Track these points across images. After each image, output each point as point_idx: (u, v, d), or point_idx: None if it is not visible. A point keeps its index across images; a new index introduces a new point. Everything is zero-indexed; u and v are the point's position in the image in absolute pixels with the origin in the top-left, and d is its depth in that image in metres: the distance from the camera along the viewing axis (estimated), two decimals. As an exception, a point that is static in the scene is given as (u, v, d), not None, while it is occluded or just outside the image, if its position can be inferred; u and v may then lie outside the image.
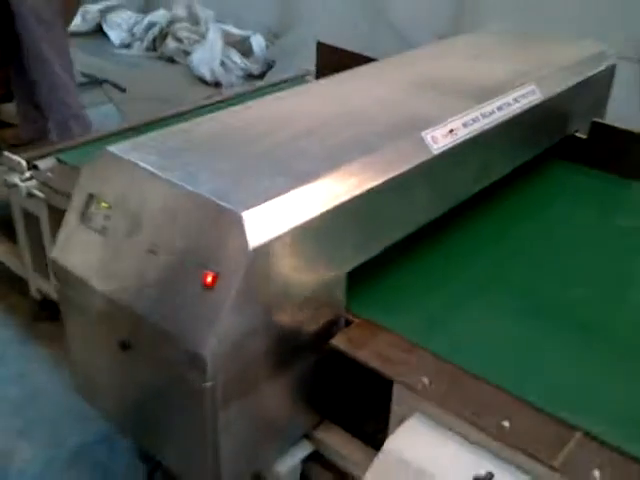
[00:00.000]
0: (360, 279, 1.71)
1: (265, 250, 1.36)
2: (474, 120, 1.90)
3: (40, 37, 3.24)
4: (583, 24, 3.85)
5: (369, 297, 1.74)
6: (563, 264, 1.95)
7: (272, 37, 5.20)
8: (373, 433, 1.67)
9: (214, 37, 4.93)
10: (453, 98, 1.97)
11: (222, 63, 4.82)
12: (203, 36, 5.17)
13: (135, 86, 4.92)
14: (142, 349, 1.50)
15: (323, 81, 2.27)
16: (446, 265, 1.92)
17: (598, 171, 2.43)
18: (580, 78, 2.32)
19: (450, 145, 1.79)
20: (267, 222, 1.38)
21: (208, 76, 4.87)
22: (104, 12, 5.98)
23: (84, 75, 4.99)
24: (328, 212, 1.49)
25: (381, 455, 1.42)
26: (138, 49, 5.67)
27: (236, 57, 4.93)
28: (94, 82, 4.99)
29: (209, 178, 1.48)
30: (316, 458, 1.75)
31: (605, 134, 2.43)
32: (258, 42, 5.06)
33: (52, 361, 2.40)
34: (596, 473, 1.29)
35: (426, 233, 1.90)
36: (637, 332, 1.71)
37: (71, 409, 2.20)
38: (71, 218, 1.65)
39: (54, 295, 2.39)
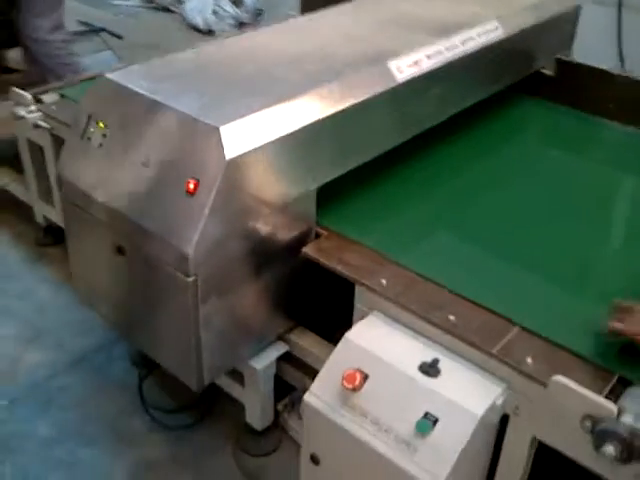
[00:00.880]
0: (332, 198, 1.91)
1: (240, 161, 1.55)
2: (438, 53, 2.07)
3: None
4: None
5: (338, 214, 1.93)
6: (513, 193, 2.13)
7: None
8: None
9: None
10: (419, 33, 2.14)
11: (214, 12, 4.94)
12: (197, -14, 5.28)
13: (132, 34, 5.06)
14: (135, 252, 1.70)
15: (301, 19, 2.42)
16: (407, 191, 2.09)
17: (562, 106, 2.59)
18: (541, 17, 2.47)
19: (414, 75, 1.96)
20: (243, 136, 1.57)
21: (201, 24, 5.00)
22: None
23: (82, 24, 5.13)
24: (300, 130, 1.67)
25: (342, 342, 1.63)
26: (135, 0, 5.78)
27: (227, 6, 5.05)
28: (92, 31, 5.13)
29: (192, 99, 1.67)
30: (289, 359, 1.96)
31: (569, 71, 2.59)
32: (251, -9, 5.19)
33: (57, 280, 2.61)
34: (529, 360, 1.49)
35: (393, 160, 2.10)
36: (565, 249, 1.89)
37: (74, 321, 2.42)
38: (73, 137, 1.84)
39: (58, 221, 2.59)
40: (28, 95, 2.52)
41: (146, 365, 2.21)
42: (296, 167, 1.71)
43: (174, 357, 1.78)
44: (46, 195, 2.66)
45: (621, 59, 4.12)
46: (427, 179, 2.17)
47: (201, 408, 2.14)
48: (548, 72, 2.65)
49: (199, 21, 5.03)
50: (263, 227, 1.70)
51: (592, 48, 3.16)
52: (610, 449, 1.34)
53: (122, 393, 2.18)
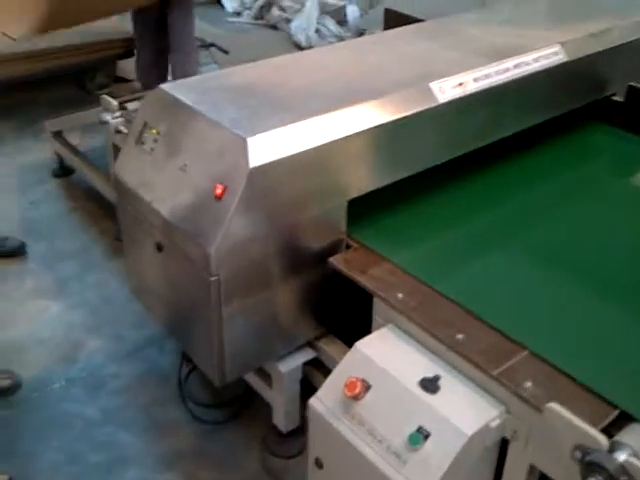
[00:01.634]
0: (371, 212, 1.97)
1: (264, 170, 1.64)
2: (487, 76, 2.08)
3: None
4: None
5: (373, 228, 1.98)
6: (560, 221, 2.09)
7: (367, 7, 5.42)
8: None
9: (311, 6, 5.23)
10: (473, 57, 2.15)
11: (317, 30, 5.10)
12: (303, 5, 5.47)
13: (238, 50, 5.30)
14: (171, 250, 1.83)
15: (363, 39, 2.50)
16: (449, 213, 2.09)
17: (630, 134, 2.51)
18: (610, 44, 2.41)
19: (457, 96, 1.98)
20: (269, 147, 1.66)
21: (303, 42, 5.17)
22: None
23: (196, 39, 5.44)
24: (327, 144, 1.74)
25: (351, 351, 1.67)
26: (247, 17, 6.07)
27: (331, 25, 5.20)
28: (203, 45, 5.44)
29: (230, 111, 1.77)
30: (318, 365, 2.02)
31: (641, 99, 2.51)
32: (352, 11, 5.32)
33: (124, 275, 2.79)
34: (528, 384, 1.48)
35: (442, 179, 2.12)
36: (598, 272, 1.86)
37: (134, 313, 2.59)
38: (130, 141, 2.00)
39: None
40: (114, 102, 2.73)
41: (192, 360, 2.34)
42: (323, 179, 1.78)
43: (201, 351, 1.89)
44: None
45: None
46: (474, 203, 2.15)
47: (236, 406, 2.24)
48: (618, 99, 2.57)
49: (302, 38, 5.22)
50: (289, 234, 1.78)
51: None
52: (594, 482, 1.32)
53: (166, 384, 2.32)
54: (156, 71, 3.89)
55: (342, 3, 5.42)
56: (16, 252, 2.97)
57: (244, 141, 1.64)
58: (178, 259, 1.81)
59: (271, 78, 2.02)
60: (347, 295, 1.93)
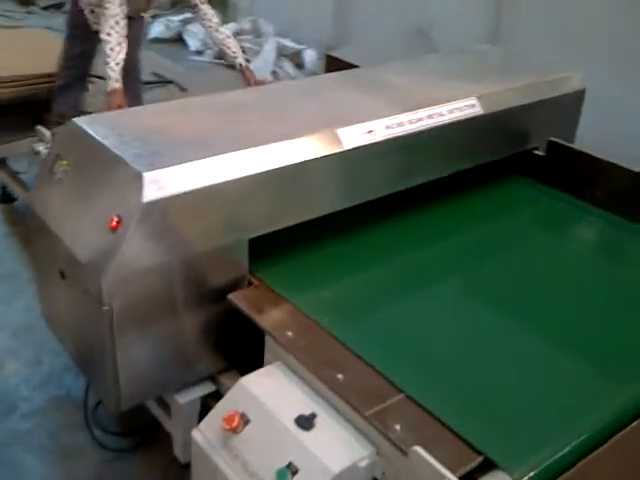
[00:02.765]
0: (278, 252, 2.02)
1: (158, 205, 1.68)
2: (399, 124, 2.15)
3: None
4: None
5: (277, 267, 2.01)
6: (455, 272, 2.15)
7: (324, 51, 5.55)
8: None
9: (269, 49, 5.37)
10: (387, 104, 2.23)
11: (274, 72, 5.21)
12: (263, 47, 5.60)
13: (197, 87, 5.41)
14: (71, 278, 1.86)
15: (293, 82, 2.57)
16: (355, 259, 2.12)
17: (550, 188, 2.59)
18: (529, 99, 2.50)
19: (365, 142, 2.05)
20: (165, 183, 1.70)
21: (260, 83, 5.28)
22: (185, 22, 6.56)
23: (154, 74, 5.54)
24: (226, 183, 1.79)
25: (235, 386, 1.70)
26: (208, 56, 6.20)
27: (288, 67, 5.33)
28: (162, 81, 5.54)
29: (135, 147, 1.82)
30: (217, 396, 2.04)
31: (561, 153, 2.59)
32: (310, 55, 5.46)
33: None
34: (397, 426, 1.51)
35: (361, 222, 2.19)
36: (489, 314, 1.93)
37: (55, 340, 2.59)
38: (43, 171, 2.04)
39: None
40: (48, 132, 2.77)
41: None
42: (221, 217, 1.82)
43: (98, 378, 1.91)
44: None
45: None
46: (381, 250, 2.18)
47: (141, 435, 2.24)
48: (540, 153, 2.66)
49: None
50: (188, 268, 1.81)
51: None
52: (446, 523, 1.35)
53: (78, 410, 2.33)
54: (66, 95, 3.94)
55: (300, 47, 5.55)
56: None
57: (140, 176, 1.68)
58: (77, 287, 1.84)
59: (183, 117, 2.08)
60: (249, 331, 1.96)
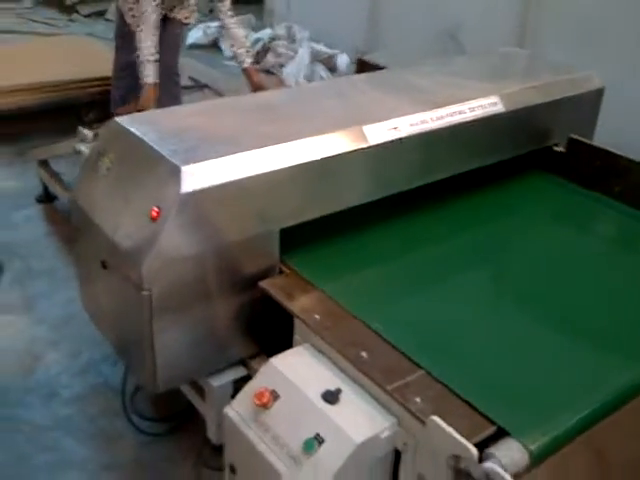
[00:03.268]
0: (309, 242, 2.13)
1: (195, 196, 1.81)
2: (422, 122, 2.25)
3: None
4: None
5: (308, 257, 2.13)
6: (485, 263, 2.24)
7: (358, 55, 5.67)
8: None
9: (302, 53, 5.51)
10: (412, 103, 2.33)
11: (306, 76, 5.34)
12: (297, 52, 5.74)
13: (232, 92, 5.55)
14: (113, 267, 1.99)
15: (316, 83, 2.69)
16: (381, 250, 2.23)
17: (570, 183, 2.66)
18: (549, 97, 2.58)
19: (390, 138, 2.15)
20: (201, 176, 1.83)
21: (293, 86, 5.42)
22: (221, 28, 6.72)
23: (191, 79, 5.71)
24: (257, 176, 1.91)
25: (265, 366, 1.82)
26: (244, 62, 6.34)
27: (321, 71, 5.46)
28: (198, 86, 5.71)
29: (173, 143, 1.95)
30: (248, 379, 2.15)
31: (580, 150, 2.67)
32: (343, 60, 5.58)
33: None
34: (417, 399, 1.61)
35: (386, 216, 2.29)
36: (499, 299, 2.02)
37: (94, 331, 2.72)
38: (86, 168, 2.18)
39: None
40: (90, 133, 2.93)
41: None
42: (254, 208, 1.94)
43: (136, 362, 2.03)
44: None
45: None
46: (409, 241, 2.29)
47: (176, 420, 2.37)
48: (559, 149, 2.73)
49: (292, 83, 5.46)
50: (222, 256, 1.93)
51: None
52: (462, 487, 1.44)
53: (116, 398, 2.45)
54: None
55: (333, 52, 5.68)
56: (-7, 270, 3.14)
57: (179, 169, 1.81)
58: (118, 275, 1.97)
59: (217, 116, 2.21)
60: (279, 317, 2.07)
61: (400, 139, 2.18)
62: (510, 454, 1.48)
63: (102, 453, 2.26)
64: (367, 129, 2.14)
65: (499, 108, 2.46)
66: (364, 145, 2.11)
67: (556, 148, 2.75)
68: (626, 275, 2.17)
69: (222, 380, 2.10)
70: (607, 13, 4.27)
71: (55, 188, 3.61)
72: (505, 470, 1.43)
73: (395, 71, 2.82)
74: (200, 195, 1.82)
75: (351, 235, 2.25)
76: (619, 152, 2.57)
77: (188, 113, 2.24)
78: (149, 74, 3.41)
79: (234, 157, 1.90)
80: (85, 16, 7.87)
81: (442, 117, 2.31)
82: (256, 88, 3.82)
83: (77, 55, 5.19)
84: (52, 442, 2.29)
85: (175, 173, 1.82)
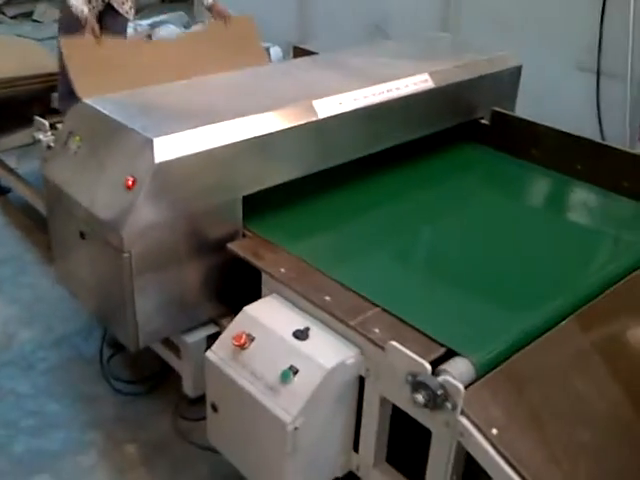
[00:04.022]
0: (267, 208, 2.36)
1: (166, 165, 2.01)
2: (365, 97, 2.51)
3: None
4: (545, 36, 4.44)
5: (267, 222, 2.35)
6: (422, 213, 2.53)
7: (289, 49, 5.91)
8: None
9: (236, 45, 5.70)
10: (352, 81, 2.58)
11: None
12: (230, 45, 5.94)
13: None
14: (92, 236, 2.17)
15: (269, 66, 2.91)
16: (333, 213, 2.48)
17: (495, 151, 2.97)
18: (473, 74, 2.88)
19: (335, 112, 2.40)
20: (171, 147, 2.03)
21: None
22: (153, 26, 6.86)
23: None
24: (221, 147, 2.12)
25: (240, 313, 2.03)
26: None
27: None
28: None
29: (142, 120, 2.14)
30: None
31: (502, 121, 2.98)
32: (276, 52, 5.80)
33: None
34: (376, 330, 1.86)
35: (338, 182, 2.53)
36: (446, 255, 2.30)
37: (62, 309, 2.89)
38: (56, 147, 2.35)
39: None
40: (46, 122, 3.07)
41: (114, 346, 2.67)
42: (218, 177, 2.15)
43: (118, 322, 2.21)
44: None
45: (600, 122, 4.51)
46: (359, 206, 2.54)
47: (152, 381, 2.55)
48: (484, 121, 3.04)
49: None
50: (191, 221, 2.14)
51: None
52: (419, 397, 1.69)
53: (92, 366, 2.63)
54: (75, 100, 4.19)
55: (266, 45, 5.89)
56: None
57: (151, 141, 2.01)
58: (98, 243, 2.15)
59: (178, 95, 2.41)
60: (244, 279, 2.28)
61: (345, 113, 2.43)
62: (459, 368, 1.74)
63: (85, 414, 2.43)
64: (316, 104, 2.38)
65: (429, 84, 2.74)
66: (314, 118, 2.35)
67: (482, 121, 3.06)
68: (546, 224, 2.49)
69: (196, 337, 2.31)
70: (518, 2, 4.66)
71: (9, 180, 3.71)
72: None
73: (332, 54, 3.06)
74: (171, 164, 2.03)
75: (306, 202, 2.49)
76: (537, 121, 2.89)
77: (152, 94, 2.43)
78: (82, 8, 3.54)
79: (200, 130, 2.11)
80: (11, 17, 7.84)
81: (381, 92, 2.57)
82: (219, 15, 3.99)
83: (12, 53, 5.23)
84: (36, 407, 2.45)
85: (148, 145, 2.01)
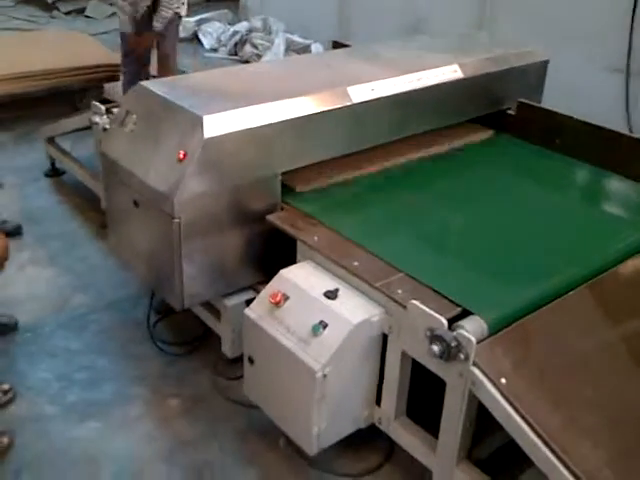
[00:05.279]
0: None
1: (214, 140, 2.23)
2: (395, 85, 2.70)
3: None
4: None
5: (305, 197, 2.56)
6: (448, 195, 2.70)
7: (329, 46, 6.12)
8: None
9: (278, 43, 5.96)
10: (387, 70, 2.78)
11: (284, 63, 5.79)
12: (273, 43, 6.18)
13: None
14: (145, 204, 2.40)
15: (306, 55, 3.12)
16: (371, 192, 2.67)
17: (519, 140, 3.13)
18: (501, 67, 3.05)
19: (369, 98, 2.60)
20: (218, 124, 2.25)
21: (271, 74, 5.85)
22: (199, 23, 7.15)
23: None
24: (264, 126, 2.33)
25: (276, 276, 2.24)
26: (223, 53, 6.77)
27: (297, 60, 5.90)
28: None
29: (192, 99, 2.38)
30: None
31: (528, 111, 3.14)
32: (317, 49, 6.02)
33: (107, 252, 3.36)
34: (399, 291, 2.06)
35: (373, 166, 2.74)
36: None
37: (113, 279, 3.15)
38: (113, 125, 2.59)
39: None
40: (103, 106, 3.32)
41: (160, 312, 2.90)
42: (259, 154, 2.37)
43: (165, 283, 2.44)
44: (109, 186, 3.44)
45: (628, 121, 4.62)
46: (390, 187, 2.72)
47: (194, 344, 2.78)
48: (511, 112, 3.21)
49: (270, 72, 5.90)
50: (234, 193, 2.35)
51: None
52: (436, 348, 1.89)
53: (139, 329, 2.86)
54: None
55: (307, 42, 6.13)
56: (13, 233, 3.50)
57: (200, 118, 2.23)
58: (150, 210, 2.38)
59: (223, 80, 2.65)
60: (282, 250, 2.48)
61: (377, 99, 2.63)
62: (472, 325, 1.92)
63: (132, 370, 2.66)
64: (351, 90, 2.58)
65: (459, 74, 2.92)
66: (348, 103, 2.55)
67: (509, 111, 3.22)
68: (564, 205, 2.66)
69: (235, 300, 2.53)
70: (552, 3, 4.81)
71: (63, 161, 3.98)
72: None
73: (368, 46, 3.26)
74: (218, 140, 2.25)
75: (340, 181, 2.69)
76: (559, 111, 3.05)
77: (199, 78, 2.67)
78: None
79: (245, 109, 2.33)
80: (65, 13, 8.20)
81: (411, 81, 2.76)
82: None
83: (66, 45, 5.55)
84: (88, 362, 2.68)
85: (197, 122, 2.24)
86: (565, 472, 1.71)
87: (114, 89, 4.79)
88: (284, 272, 2.25)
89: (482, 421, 2.00)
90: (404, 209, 2.59)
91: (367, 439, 2.32)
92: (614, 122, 4.38)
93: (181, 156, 2.24)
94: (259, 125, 2.33)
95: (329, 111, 2.50)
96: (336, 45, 3.85)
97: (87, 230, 3.62)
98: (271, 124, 2.36)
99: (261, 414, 2.36)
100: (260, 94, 2.46)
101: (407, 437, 2.18)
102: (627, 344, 2.13)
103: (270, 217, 2.45)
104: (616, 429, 1.88)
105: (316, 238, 2.31)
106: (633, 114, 4.58)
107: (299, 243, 2.34)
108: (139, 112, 2.48)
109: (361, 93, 2.60)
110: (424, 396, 2.18)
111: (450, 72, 2.90)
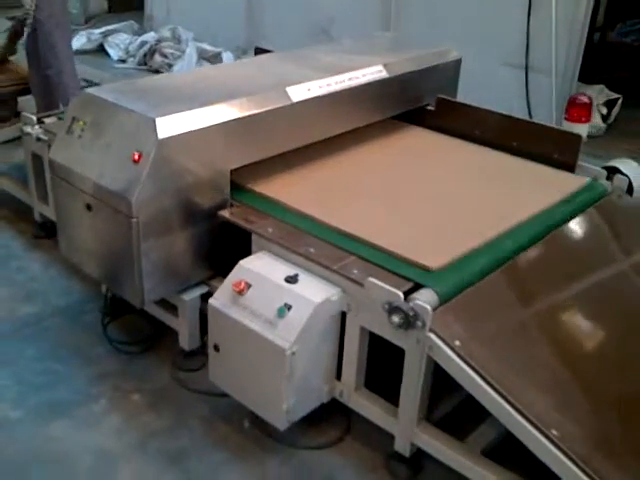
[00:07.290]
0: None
1: (167, 141, 2.33)
2: (328, 85, 2.89)
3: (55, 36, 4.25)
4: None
5: (252, 193, 2.70)
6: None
7: (240, 53, 6.28)
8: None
9: (190, 53, 6.06)
10: (317, 72, 2.96)
11: (197, 72, 5.88)
12: (184, 52, 6.26)
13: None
14: (99, 207, 2.47)
15: (243, 60, 3.27)
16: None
17: (440, 133, 3.39)
18: (420, 66, 3.30)
19: (305, 98, 2.77)
20: (171, 126, 2.36)
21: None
22: (105, 35, 7.12)
23: (84, 80, 6.05)
24: (211, 127, 2.46)
25: (237, 266, 2.37)
26: (132, 63, 6.76)
27: (210, 68, 6.01)
28: (89, 85, 6.07)
29: (142, 103, 2.47)
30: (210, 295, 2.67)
31: (447, 107, 3.40)
32: (228, 57, 6.15)
33: (47, 260, 3.38)
34: (355, 271, 2.24)
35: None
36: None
37: (57, 287, 3.17)
38: (60, 133, 2.64)
39: (52, 217, 3.35)
40: (34, 117, 3.34)
41: (110, 314, 2.96)
42: (211, 152, 2.49)
43: (125, 283, 2.51)
44: (43, 197, 3.44)
45: (529, 111, 5.04)
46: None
47: (147, 343, 2.86)
48: (430, 107, 3.46)
49: (183, 81, 5.97)
50: (187, 191, 2.46)
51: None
52: (395, 319, 2.08)
53: (90, 332, 2.90)
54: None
55: (218, 50, 6.24)
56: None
57: (154, 121, 2.33)
58: (105, 212, 2.45)
59: (168, 84, 2.75)
60: (233, 246, 2.60)
61: (313, 98, 2.80)
62: (425, 296, 2.13)
63: (90, 370, 2.69)
64: (290, 90, 2.74)
65: (384, 74, 3.14)
66: (288, 102, 2.72)
67: (428, 107, 3.48)
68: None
69: (191, 295, 2.63)
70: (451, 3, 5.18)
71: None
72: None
73: (296, 51, 3.43)
74: (172, 140, 2.35)
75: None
76: (477, 105, 3.32)
77: (143, 83, 2.75)
78: None
79: (195, 111, 2.45)
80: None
81: (342, 81, 2.95)
82: None
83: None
84: (45, 367, 2.70)
85: (151, 124, 2.33)
86: (516, 415, 1.93)
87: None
88: (243, 262, 2.38)
89: (436, 386, 2.22)
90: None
91: (326, 417, 2.48)
92: (517, 111, 4.82)
93: (136, 157, 2.33)
94: (209, 125, 2.45)
95: (272, 110, 2.65)
96: (258, 51, 4.01)
97: (21, 241, 3.60)
98: (220, 124, 2.49)
99: (224, 401, 2.49)
100: (206, 97, 2.58)
101: (368, 407, 2.36)
102: (567, 305, 2.40)
103: (222, 212, 2.57)
104: (560, 380, 2.13)
105: (270, 229, 2.45)
106: (532, 103, 5.03)
107: (254, 236, 2.48)
108: (87, 118, 2.55)
109: (299, 93, 2.77)
110: (379, 369, 2.37)
111: (376, 72, 3.11)
